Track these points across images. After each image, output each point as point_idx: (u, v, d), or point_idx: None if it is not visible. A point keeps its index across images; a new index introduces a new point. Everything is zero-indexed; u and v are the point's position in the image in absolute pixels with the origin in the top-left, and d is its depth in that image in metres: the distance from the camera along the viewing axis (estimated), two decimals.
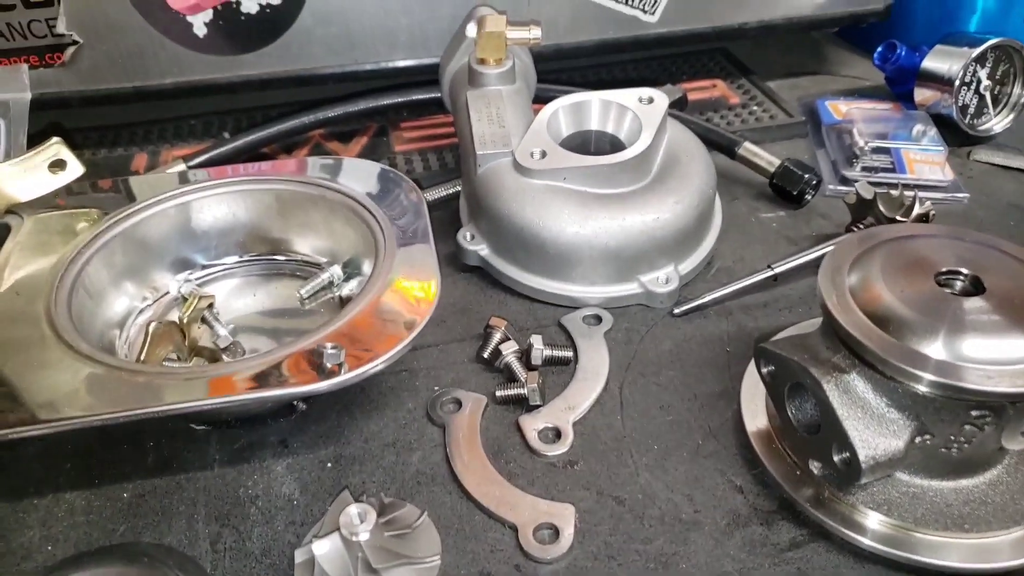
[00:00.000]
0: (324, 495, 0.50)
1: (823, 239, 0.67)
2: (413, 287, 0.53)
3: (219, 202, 0.62)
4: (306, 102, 0.85)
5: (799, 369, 0.46)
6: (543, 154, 0.62)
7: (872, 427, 0.43)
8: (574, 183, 0.61)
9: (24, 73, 0.74)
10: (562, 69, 0.92)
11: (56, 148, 0.59)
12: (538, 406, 0.54)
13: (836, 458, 0.44)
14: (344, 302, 0.61)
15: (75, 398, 0.46)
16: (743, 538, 0.47)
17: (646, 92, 0.66)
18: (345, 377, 0.46)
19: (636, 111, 0.64)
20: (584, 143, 0.66)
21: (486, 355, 0.58)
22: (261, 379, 0.47)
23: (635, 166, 0.62)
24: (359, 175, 0.63)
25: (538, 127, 0.64)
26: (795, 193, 0.72)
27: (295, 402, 0.55)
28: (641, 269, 0.62)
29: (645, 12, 0.82)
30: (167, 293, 0.62)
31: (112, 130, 0.88)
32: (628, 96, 0.65)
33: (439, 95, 0.78)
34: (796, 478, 0.48)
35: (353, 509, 0.44)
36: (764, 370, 0.50)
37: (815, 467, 0.47)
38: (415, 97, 0.80)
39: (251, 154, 0.78)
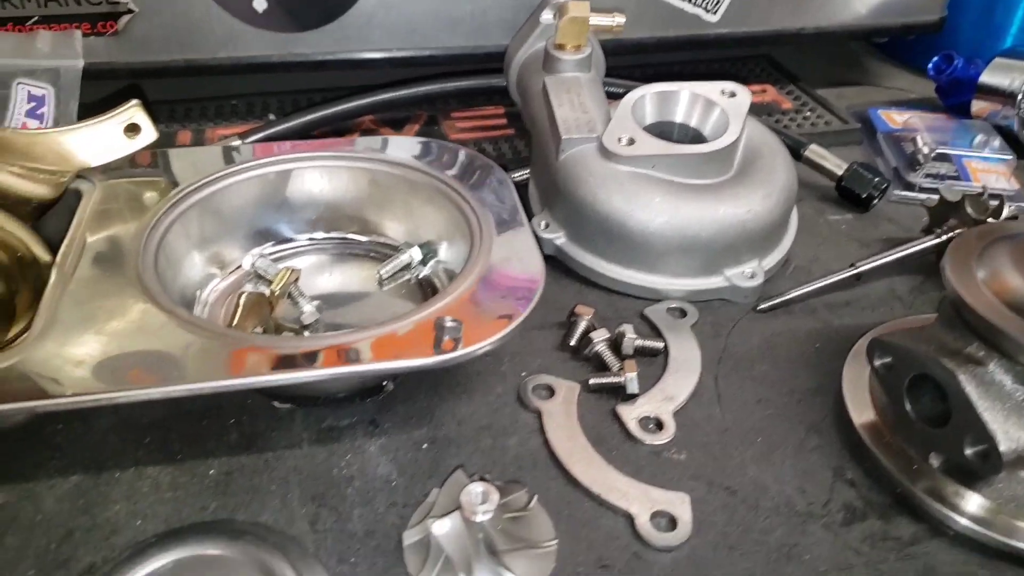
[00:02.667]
0: (423, 476, 0.48)
1: (896, 242, 0.67)
2: (515, 266, 0.52)
3: (306, 176, 0.59)
4: (352, 88, 0.82)
5: (929, 361, 0.45)
6: (631, 141, 0.61)
7: (1012, 418, 0.42)
8: (661, 171, 0.61)
9: (77, 40, 0.72)
10: (613, 66, 0.91)
11: (133, 111, 0.56)
12: (634, 396, 0.53)
13: (969, 451, 0.44)
14: (422, 285, 0.60)
15: (183, 365, 0.43)
16: (862, 531, 0.46)
17: (728, 86, 0.66)
18: (470, 349, 0.44)
19: (722, 104, 0.64)
20: (665, 133, 0.65)
21: (573, 343, 0.57)
22: (377, 351, 0.45)
23: (722, 158, 0.62)
24: (444, 156, 0.61)
25: (623, 113, 0.63)
26: (863, 196, 0.72)
27: (384, 382, 0.53)
28: (727, 263, 0.61)
29: (708, 11, 0.81)
30: (239, 267, 0.59)
31: (154, 105, 0.85)
32: (712, 89, 0.65)
33: (498, 83, 0.77)
34: (912, 472, 0.48)
35: (476, 488, 0.42)
36: (878, 363, 0.50)
37: (935, 460, 0.47)
38: (477, 83, 0.79)
39: (303, 136, 0.76)
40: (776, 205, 0.61)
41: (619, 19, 0.66)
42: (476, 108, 0.85)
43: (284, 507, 0.47)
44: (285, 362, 0.44)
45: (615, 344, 0.56)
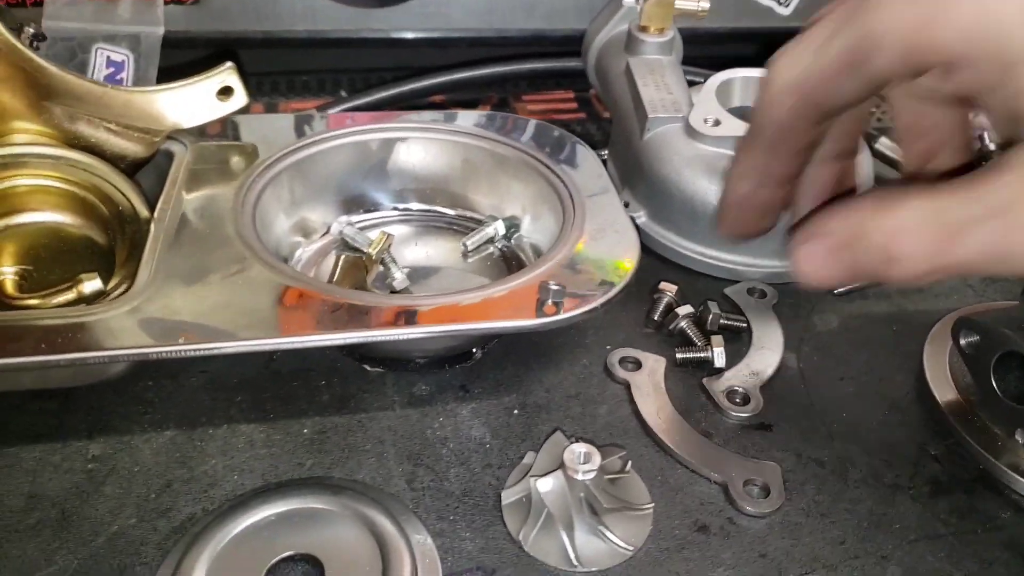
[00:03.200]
0: (516, 440, 0.49)
1: None
2: (609, 236, 0.52)
3: (399, 146, 0.60)
4: (421, 68, 0.83)
5: (1020, 339, 0.46)
6: (716, 122, 0.61)
7: None
8: None
9: (159, 7, 0.72)
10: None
11: (228, 74, 0.57)
12: (720, 370, 0.54)
13: None
14: (506, 258, 0.60)
15: (291, 320, 0.44)
16: (949, 504, 0.47)
17: None
18: (577, 312, 0.45)
19: None
20: (747, 117, 0.65)
21: (656, 317, 0.57)
22: (482, 312, 0.46)
23: None
24: (533, 132, 0.62)
25: (707, 96, 0.63)
26: None
27: (473, 349, 0.54)
28: None
29: (780, 3, 0.82)
30: (325, 233, 0.60)
31: (225, 51, 0.86)
32: None
33: (574, 65, 0.77)
34: (997, 448, 0.48)
35: (578, 448, 0.43)
36: (964, 341, 0.50)
37: (1021, 437, 0.47)
38: (553, 65, 0.79)
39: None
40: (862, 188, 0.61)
41: (704, 4, 0.66)
42: (546, 92, 0.86)
43: (380, 465, 0.47)
44: (394, 319, 0.45)
45: (699, 320, 0.57)
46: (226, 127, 0.61)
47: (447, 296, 0.46)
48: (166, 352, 0.42)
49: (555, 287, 0.45)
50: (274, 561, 0.41)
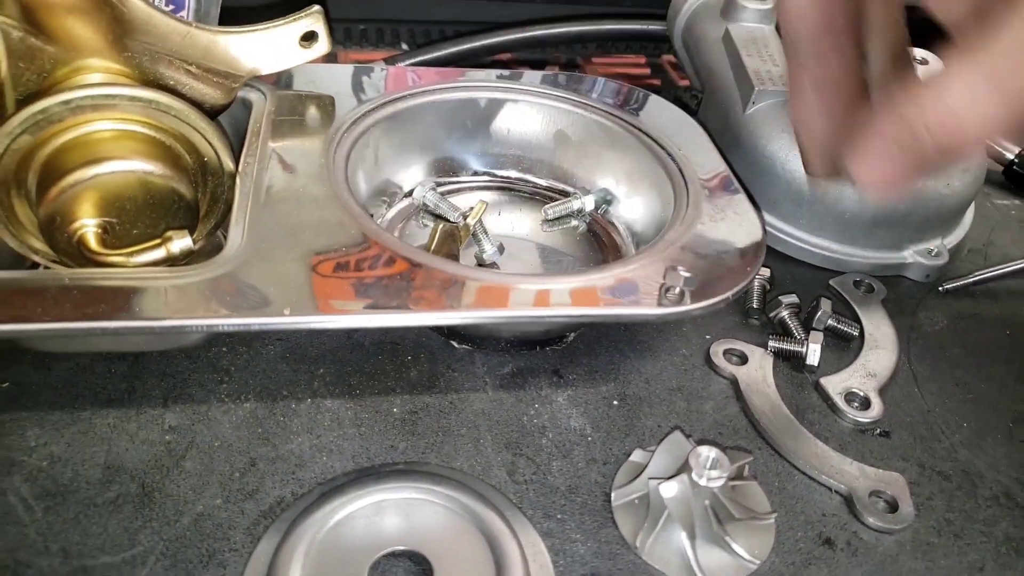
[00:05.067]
0: (619, 434, 0.46)
1: None
2: (726, 216, 0.48)
3: (495, 108, 0.56)
4: (483, 24, 0.78)
5: None
6: None
7: None
8: None
9: None
10: None
11: (315, 18, 0.52)
12: (814, 368, 0.50)
13: None
14: (595, 233, 0.57)
15: (396, 291, 0.40)
16: None
17: (920, 52, 0.62)
18: (704, 304, 0.42)
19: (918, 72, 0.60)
20: None
21: (755, 304, 0.54)
22: (612, 293, 0.42)
23: None
24: (639, 102, 0.58)
25: None
26: None
27: (568, 332, 0.50)
28: (912, 238, 0.58)
29: None
30: (407, 195, 0.56)
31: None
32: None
33: (656, 29, 0.73)
34: None
35: (705, 452, 0.40)
36: None
37: None
38: (636, 27, 0.75)
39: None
40: (972, 182, 0.58)
41: None
42: (617, 55, 0.81)
43: (478, 452, 0.44)
44: (500, 299, 0.41)
45: (799, 313, 0.53)
46: (291, 76, 0.57)
47: (567, 277, 0.43)
48: (269, 324, 0.38)
49: (686, 274, 0.42)
50: (378, 556, 0.38)
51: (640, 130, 0.55)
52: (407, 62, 0.70)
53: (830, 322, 0.53)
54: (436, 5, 0.78)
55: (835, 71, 0.35)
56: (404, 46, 0.80)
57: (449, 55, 0.73)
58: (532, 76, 0.59)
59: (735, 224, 0.48)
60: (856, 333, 0.52)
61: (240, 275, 0.40)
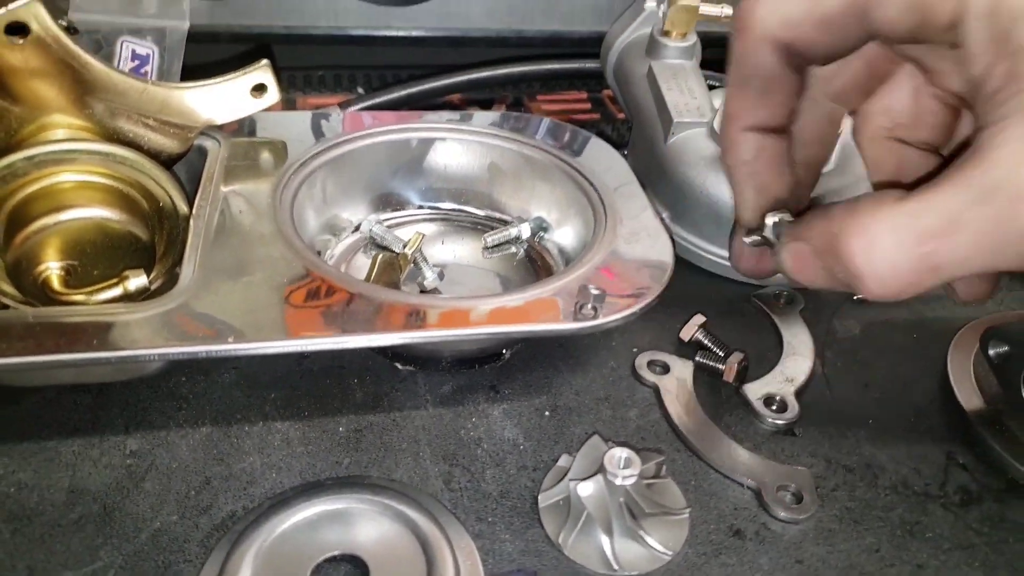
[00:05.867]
0: (549, 442, 0.50)
1: None
2: (640, 239, 0.53)
3: (433, 145, 0.61)
4: (438, 66, 0.84)
5: None
6: None
7: None
8: None
9: (185, 1, 0.72)
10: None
11: (263, 71, 0.57)
12: (736, 386, 0.54)
13: None
14: (532, 259, 0.61)
15: (337, 318, 0.44)
16: (980, 513, 0.47)
17: None
18: (613, 317, 0.46)
19: None
20: None
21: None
22: (520, 315, 0.46)
23: None
24: (559, 133, 0.62)
25: None
26: None
27: (503, 349, 0.54)
28: None
29: None
30: (355, 231, 0.60)
31: (260, 47, 0.85)
32: None
33: (591, 66, 0.78)
34: None
35: (619, 453, 0.43)
36: (993, 351, 0.51)
37: None
38: (571, 66, 0.80)
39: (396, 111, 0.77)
40: None
41: (727, 10, 0.67)
42: (560, 92, 0.86)
43: (417, 465, 0.48)
44: (432, 321, 0.45)
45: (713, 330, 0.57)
46: (253, 123, 0.61)
47: (488, 299, 0.47)
48: (217, 352, 0.42)
49: (595, 291, 0.46)
50: (319, 561, 0.41)
51: (566, 162, 0.59)
52: (361, 106, 0.75)
53: (698, 355, 0.55)
54: (390, 50, 0.82)
55: (776, 110, 0.39)
56: (360, 90, 0.85)
57: (401, 98, 0.78)
58: (468, 115, 0.63)
59: (647, 246, 0.52)
60: (722, 367, 0.54)
61: (190, 308, 0.44)
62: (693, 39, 0.69)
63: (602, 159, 0.61)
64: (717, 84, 0.75)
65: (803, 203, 0.44)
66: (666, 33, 0.69)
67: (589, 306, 0.46)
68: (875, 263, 0.31)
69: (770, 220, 0.40)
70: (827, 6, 0.34)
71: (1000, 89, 0.30)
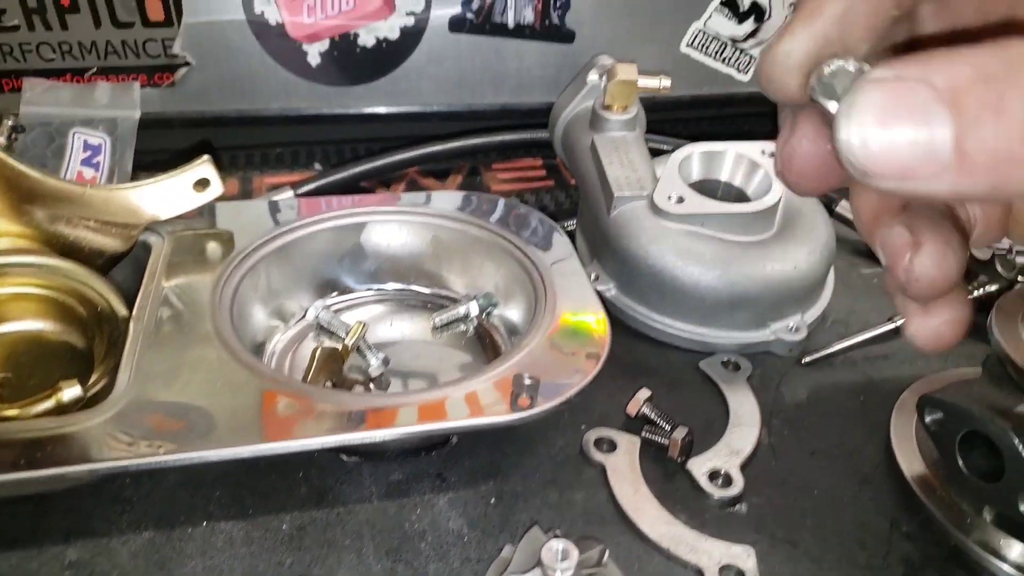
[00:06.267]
0: (494, 531, 0.50)
1: None
2: (579, 320, 0.53)
3: (374, 229, 0.62)
4: (396, 139, 0.85)
5: (983, 420, 0.47)
6: (680, 199, 0.63)
7: None
8: (710, 229, 0.63)
9: (136, 91, 0.74)
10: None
11: (204, 167, 0.58)
12: (682, 461, 0.54)
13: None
14: (480, 336, 0.61)
15: (267, 422, 0.45)
16: None
17: (769, 146, 0.68)
18: (547, 407, 0.46)
19: (763, 164, 0.66)
20: (710, 190, 0.67)
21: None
22: (455, 408, 0.46)
23: (767, 216, 0.64)
24: (503, 212, 0.63)
25: (671, 171, 0.65)
26: None
27: (450, 436, 0.54)
28: (773, 317, 0.63)
29: (740, 71, 0.84)
30: (302, 318, 0.61)
31: (202, 144, 0.87)
32: (753, 148, 0.67)
33: (540, 136, 0.79)
34: (966, 525, 0.49)
35: (556, 545, 0.43)
36: (929, 419, 0.51)
37: (989, 514, 0.49)
38: (521, 137, 0.81)
39: (351, 186, 0.78)
40: (819, 261, 0.63)
41: (665, 82, 0.69)
42: (516, 160, 0.88)
43: (360, 562, 0.48)
44: (366, 420, 0.45)
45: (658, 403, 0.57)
46: (201, 212, 0.62)
47: (422, 394, 0.47)
48: (146, 464, 0.42)
49: (528, 381, 0.46)
50: None
51: (508, 239, 0.60)
52: (314, 185, 0.75)
53: (645, 431, 0.55)
54: (345, 127, 0.84)
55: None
56: (317, 166, 0.86)
57: (359, 173, 0.79)
58: (412, 196, 0.64)
59: (585, 325, 0.52)
60: (666, 441, 0.54)
61: (124, 418, 0.44)
62: (634, 111, 0.70)
63: (544, 234, 0.61)
64: (668, 148, 0.76)
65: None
66: (607, 107, 0.70)
67: (524, 396, 0.47)
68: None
69: (837, 66, 0.26)
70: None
71: None
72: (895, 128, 0.22)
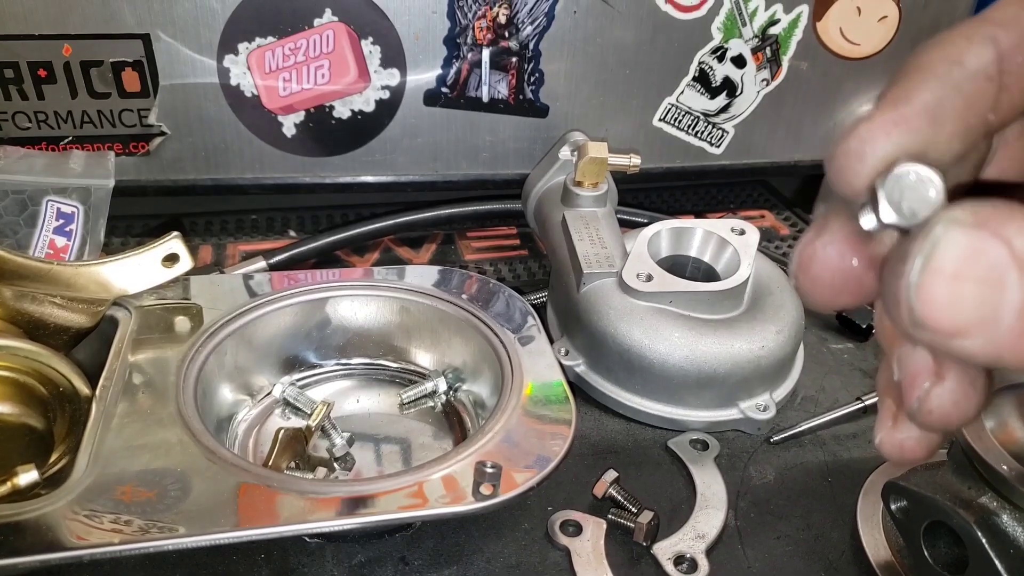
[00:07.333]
0: None
1: None
2: (547, 402, 0.53)
3: (340, 305, 0.62)
4: (372, 206, 0.86)
5: (946, 510, 0.47)
6: (648, 277, 0.64)
7: None
8: (679, 307, 0.63)
9: (110, 160, 0.74)
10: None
11: (173, 243, 0.58)
12: (648, 544, 0.54)
13: None
14: (447, 413, 0.61)
15: (228, 509, 0.44)
16: None
17: (737, 223, 0.69)
18: (510, 495, 0.46)
19: (732, 241, 0.67)
20: (679, 267, 0.68)
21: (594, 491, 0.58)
22: (417, 495, 0.46)
23: (736, 294, 0.65)
24: (473, 287, 0.64)
25: (640, 248, 0.66)
26: (864, 326, 0.75)
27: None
28: (741, 395, 0.63)
29: (712, 144, 0.86)
30: (268, 395, 0.60)
31: (172, 219, 0.87)
32: (723, 226, 0.68)
33: (513, 207, 0.80)
34: None
35: None
36: (894, 506, 0.52)
37: None
38: (494, 207, 0.82)
39: (325, 254, 0.79)
40: (787, 340, 0.64)
41: (635, 160, 0.70)
42: (491, 229, 0.89)
43: None
44: (326, 508, 0.45)
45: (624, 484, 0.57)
46: (176, 283, 0.62)
47: (384, 480, 0.47)
48: (101, 554, 0.41)
49: (491, 469, 0.46)
50: None
51: (476, 315, 0.60)
52: (287, 255, 0.76)
53: (611, 512, 0.55)
54: (320, 195, 0.84)
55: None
56: (292, 233, 0.86)
57: (333, 243, 0.79)
58: (381, 272, 0.64)
59: (550, 408, 0.52)
60: (633, 524, 0.54)
61: (80, 504, 0.43)
62: (605, 187, 0.72)
63: (513, 312, 0.62)
64: (645, 220, 0.77)
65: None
66: (578, 183, 0.71)
67: (487, 484, 0.46)
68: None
69: (906, 170, 0.23)
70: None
71: None
72: (967, 284, 0.21)
